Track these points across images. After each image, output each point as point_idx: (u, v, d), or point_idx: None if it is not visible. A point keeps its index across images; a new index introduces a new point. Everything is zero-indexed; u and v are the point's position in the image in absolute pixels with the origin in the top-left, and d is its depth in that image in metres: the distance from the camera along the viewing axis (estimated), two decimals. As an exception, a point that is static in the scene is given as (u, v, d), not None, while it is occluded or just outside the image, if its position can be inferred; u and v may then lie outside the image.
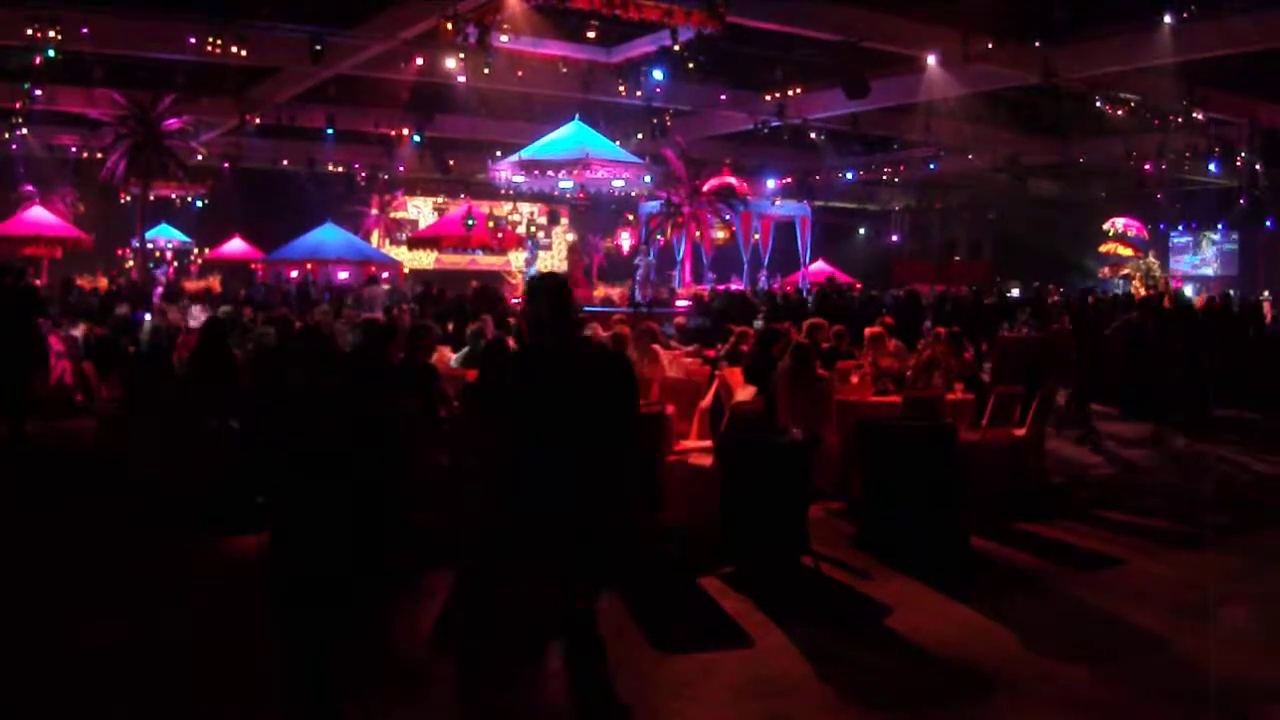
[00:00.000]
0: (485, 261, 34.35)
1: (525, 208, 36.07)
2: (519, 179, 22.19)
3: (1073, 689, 5.17)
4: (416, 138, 26.63)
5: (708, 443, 8.13)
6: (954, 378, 9.50)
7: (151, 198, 25.68)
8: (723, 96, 24.14)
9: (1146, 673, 5.36)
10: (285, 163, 30.48)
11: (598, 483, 5.13)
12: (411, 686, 5.08)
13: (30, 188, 27.47)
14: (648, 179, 22.97)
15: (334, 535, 6.04)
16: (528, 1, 16.31)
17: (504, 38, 17.73)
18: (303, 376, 6.61)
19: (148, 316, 14.68)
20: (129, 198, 25.93)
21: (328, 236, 28.33)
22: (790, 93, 22.53)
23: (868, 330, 10.59)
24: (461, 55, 18.38)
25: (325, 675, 5.23)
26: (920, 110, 23.07)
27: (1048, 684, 5.20)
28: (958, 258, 34.31)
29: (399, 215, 35.70)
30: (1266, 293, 27.28)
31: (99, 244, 27.70)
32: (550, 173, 21.59)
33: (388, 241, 34.53)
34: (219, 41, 17.83)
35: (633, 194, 25.73)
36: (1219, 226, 36.55)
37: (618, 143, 23.42)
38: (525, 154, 21.71)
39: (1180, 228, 37.11)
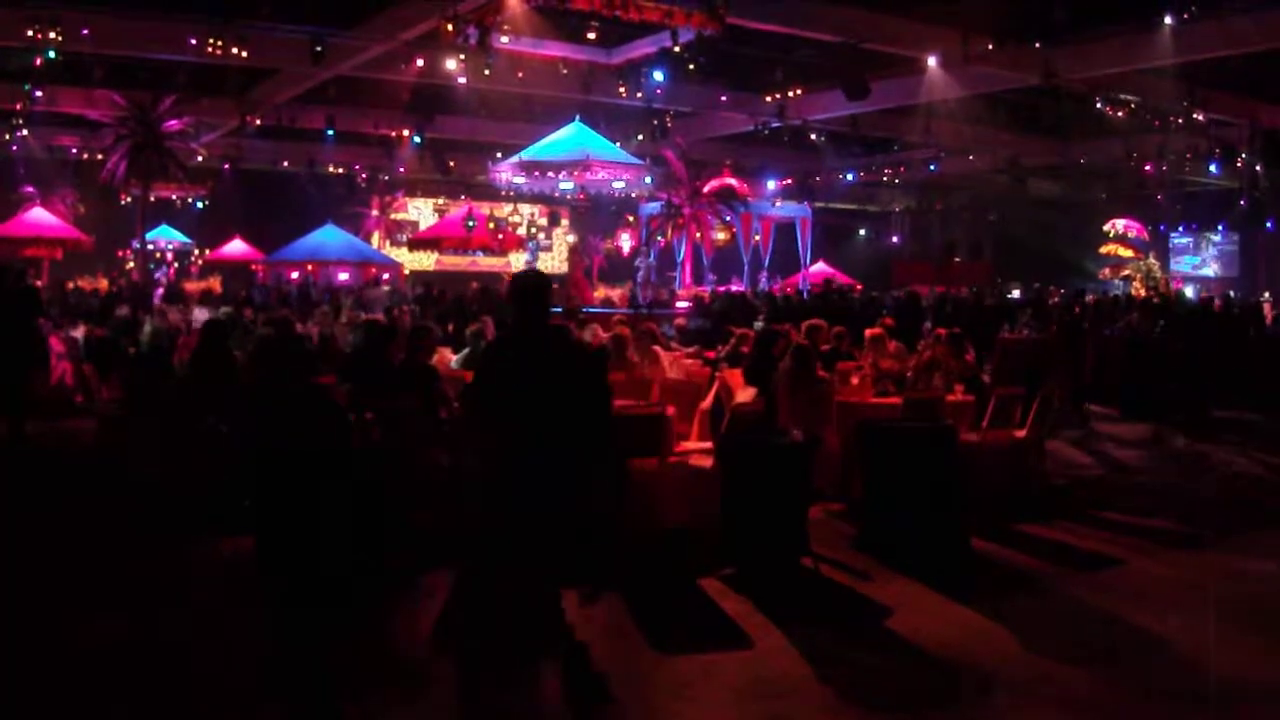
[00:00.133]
0: (485, 263, 34.38)
1: (526, 209, 36.10)
2: (519, 180, 22.20)
3: (1073, 689, 5.16)
4: (417, 139, 26.64)
5: (708, 444, 8.13)
6: (954, 379, 9.50)
7: (152, 199, 25.68)
8: (723, 98, 24.15)
9: (1146, 673, 5.36)
10: (286, 164, 30.50)
11: (568, 478, 5.14)
12: (411, 686, 5.08)
13: (31, 189, 27.51)
14: (648, 180, 22.98)
15: (321, 536, 6.03)
16: (528, 2, 16.30)
17: (504, 39, 17.75)
18: (287, 376, 6.60)
19: (148, 323, 14.64)
20: (129, 199, 25.94)
21: (328, 238, 28.35)
22: (790, 94, 22.53)
23: (868, 332, 10.60)
24: (462, 56, 18.39)
25: (322, 675, 5.23)
26: (920, 111, 23.08)
27: (1048, 684, 5.19)
28: (958, 259, 34.30)
29: (399, 216, 35.72)
30: (1267, 294, 27.29)
31: (99, 245, 27.73)
32: (551, 174, 21.61)
33: (388, 243, 34.54)
34: (219, 42, 17.83)
35: (633, 195, 25.75)
36: (1219, 228, 36.55)
37: (618, 144, 23.43)
38: (526, 155, 21.72)
39: (1180, 229, 37.10)
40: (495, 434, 5.23)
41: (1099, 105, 21.90)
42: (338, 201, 31.71)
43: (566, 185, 22.90)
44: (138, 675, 5.17)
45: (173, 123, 22.87)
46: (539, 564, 5.21)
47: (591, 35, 19.41)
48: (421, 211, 36.64)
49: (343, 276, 27.77)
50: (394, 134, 26.89)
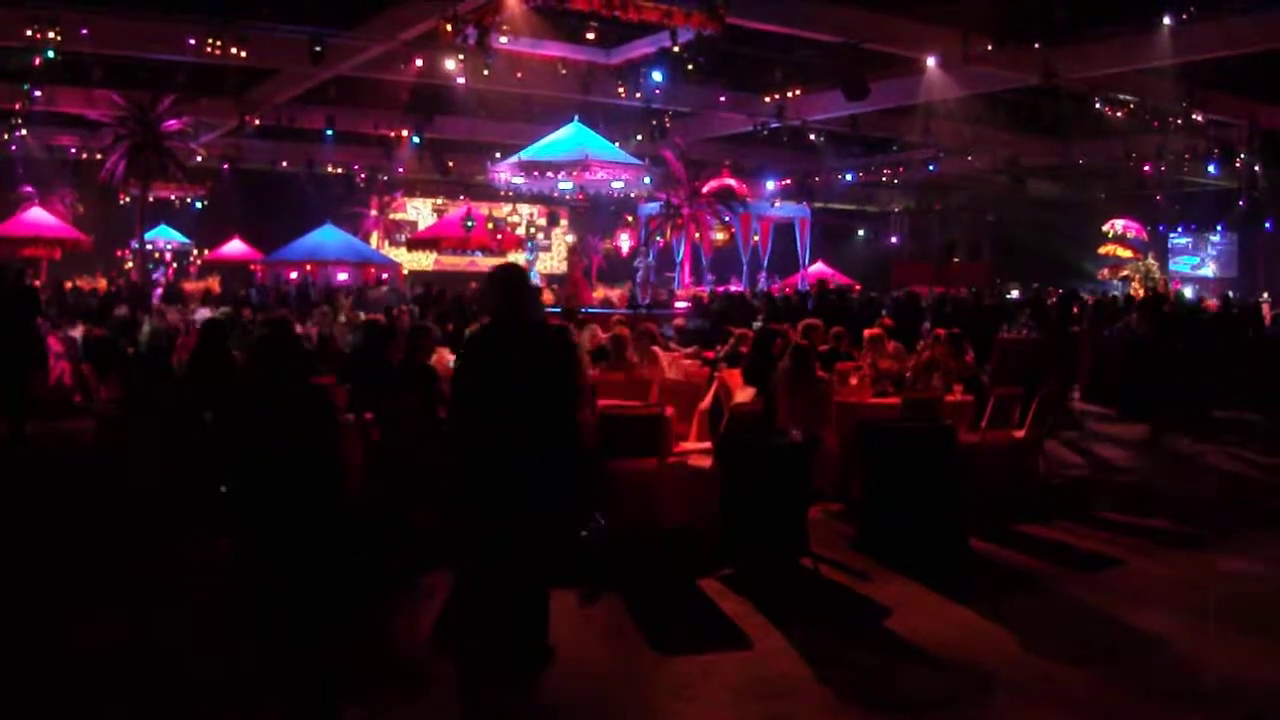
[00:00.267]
0: (485, 263, 34.28)
1: (525, 209, 36.09)
2: (518, 180, 22.20)
3: (1073, 689, 5.16)
4: (416, 139, 26.63)
5: (707, 444, 8.12)
6: (953, 379, 9.50)
7: (151, 199, 25.64)
8: (722, 98, 24.14)
9: (1146, 673, 5.36)
10: (285, 164, 30.49)
11: (547, 472, 5.14)
12: (411, 686, 5.08)
13: (29, 189, 27.48)
14: (647, 180, 22.98)
15: (315, 535, 6.03)
16: (527, 3, 16.29)
17: (503, 39, 17.73)
18: (284, 375, 6.59)
19: (146, 323, 14.63)
20: (128, 199, 25.90)
21: (327, 238, 28.34)
22: (790, 94, 22.52)
23: (867, 332, 10.59)
24: (461, 56, 18.38)
25: (322, 675, 5.23)
26: (920, 112, 23.07)
27: (1048, 684, 5.20)
28: (957, 259, 34.31)
29: (398, 216, 35.71)
30: (1266, 294, 27.30)
31: (98, 245, 27.71)
32: (550, 174, 21.60)
33: (387, 243, 34.53)
34: (219, 42, 17.82)
35: (632, 195, 25.75)
36: (1218, 228, 36.56)
37: (617, 144, 23.43)
38: (525, 155, 21.72)
39: (1180, 229, 37.11)
40: (475, 427, 5.23)
41: (1099, 105, 21.90)
42: (336, 201, 31.70)
43: (565, 185, 22.90)
44: (138, 675, 5.17)
45: (172, 123, 22.84)
46: (522, 560, 5.20)
47: (590, 35, 19.41)
48: (420, 211, 36.63)
49: (342, 276, 27.76)
50: (393, 134, 26.88)
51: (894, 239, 41.15)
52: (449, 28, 16.25)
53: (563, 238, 37.04)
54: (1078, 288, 25.41)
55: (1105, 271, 32.22)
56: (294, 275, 27.42)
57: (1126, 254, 30.50)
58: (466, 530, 5.50)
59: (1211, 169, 28.20)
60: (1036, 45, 18.82)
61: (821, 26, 18.44)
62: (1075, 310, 19.82)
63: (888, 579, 6.73)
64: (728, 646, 5.63)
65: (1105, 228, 31.07)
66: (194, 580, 6.62)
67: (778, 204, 28.99)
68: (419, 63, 19.39)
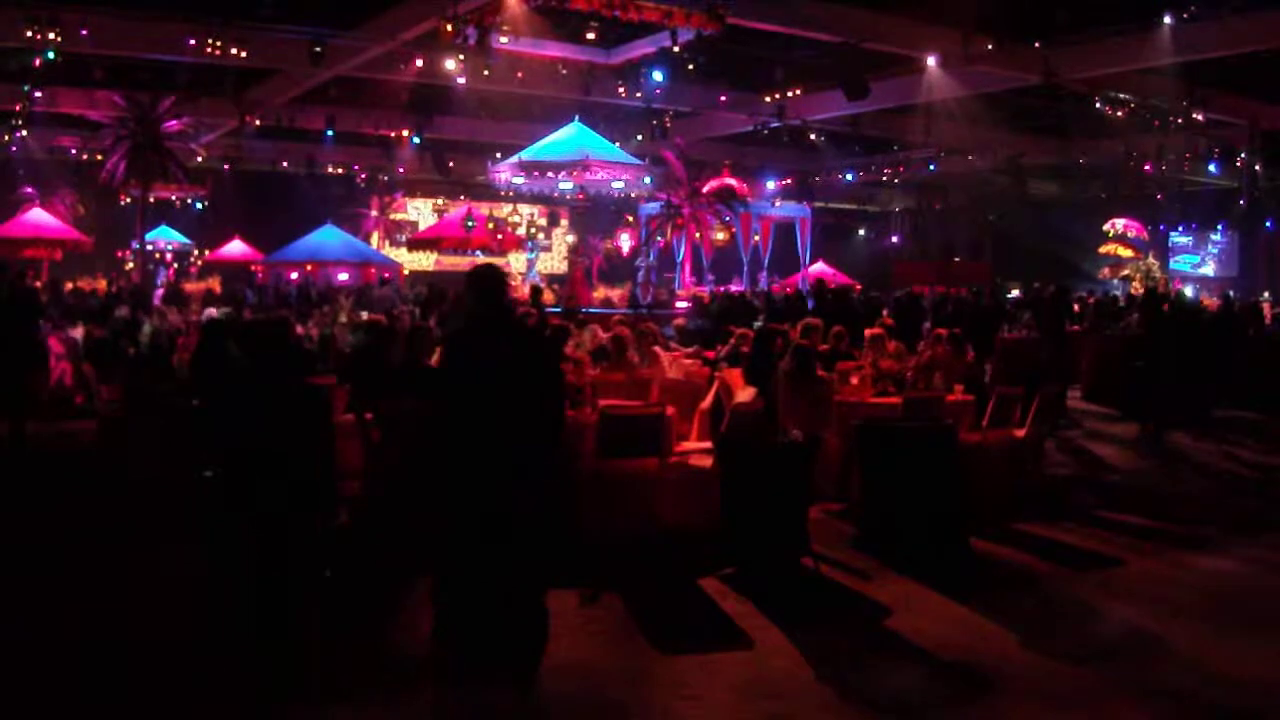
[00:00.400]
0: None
1: (525, 209, 36.07)
2: (519, 181, 22.21)
3: (1073, 689, 5.17)
4: (416, 139, 26.65)
5: (708, 444, 8.12)
6: (955, 379, 9.50)
7: (151, 199, 25.64)
8: (722, 98, 24.15)
9: (1146, 673, 5.36)
10: (285, 164, 30.50)
11: (526, 471, 5.15)
12: (409, 687, 5.08)
13: (30, 190, 27.47)
14: (647, 180, 22.99)
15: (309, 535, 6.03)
16: (527, 3, 16.30)
17: (504, 39, 17.74)
18: (275, 371, 6.58)
19: (147, 323, 14.63)
20: (129, 199, 25.90)
21: (327, 238, 28.33)
22: (790, 94, 22.53)
23: (868, 331, 10.60)
24: (461, 57, 18.39)
25: (322, 673, 5.22)
26: (920, 111, 23.07)
27: (1048, 684, 5.20)
28: (958, 259, 34.29)
29: (399, 217, 35.69)
30: (1266, 293, 27.28)
31: (99, 246, 27.70)
32: (550, 174, 21.62)
33: (387, 243, 34.52)
34: (219, 42, 17.84)
35: (632, 195, 25.75)
36: (1219, 227, 36.55)
37: (617, 144, 23.43)
38: (525, 155, 21.72)
39: (1180, 229, 37.09)
40: (455, 427, 5.24)
41: (1099, 105, 21.90)
42: (337, 202, 31.71)
43: (566, 185, 22.91)
44: (138, 675, 5.17)
45: (172, 123, 22.85)
46: (499, 560, 5.20)
47: (591, 35, 19.42)
48: (421, 212, 36.61)
49: (342, 277, 27.75)
50: (393, 134, 26.89)
51: (894, 239, 41.12)
52: (449, 28, 16.27)
53: (563, 238, 37.03)
54: (1070, 286, 25.39)
55: (1106, 271, 32.17)
56: (294, 275, 27.41)
57: (1127, 253, 30.45)
58: (443, 529, 5.50)
59: (1212, 168, 28.21)
60: (1036, 45, 18.85)
61: (821, 26, 18.45)
62: (1076, 309, 19.84)
63: (888, 578, 6.74)
64: (728, 646, 5.64)
65: (1106, 227, 31.02)
66: (194, 580, 6.61)
67: (778, 204, 28.96)
68: (419, 63, 19.41)
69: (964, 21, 18.39)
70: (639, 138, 26.31)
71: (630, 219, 32.06)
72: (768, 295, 21.78)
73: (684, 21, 16.68)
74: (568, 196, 27.60)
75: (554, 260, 36.78)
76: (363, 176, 32.28)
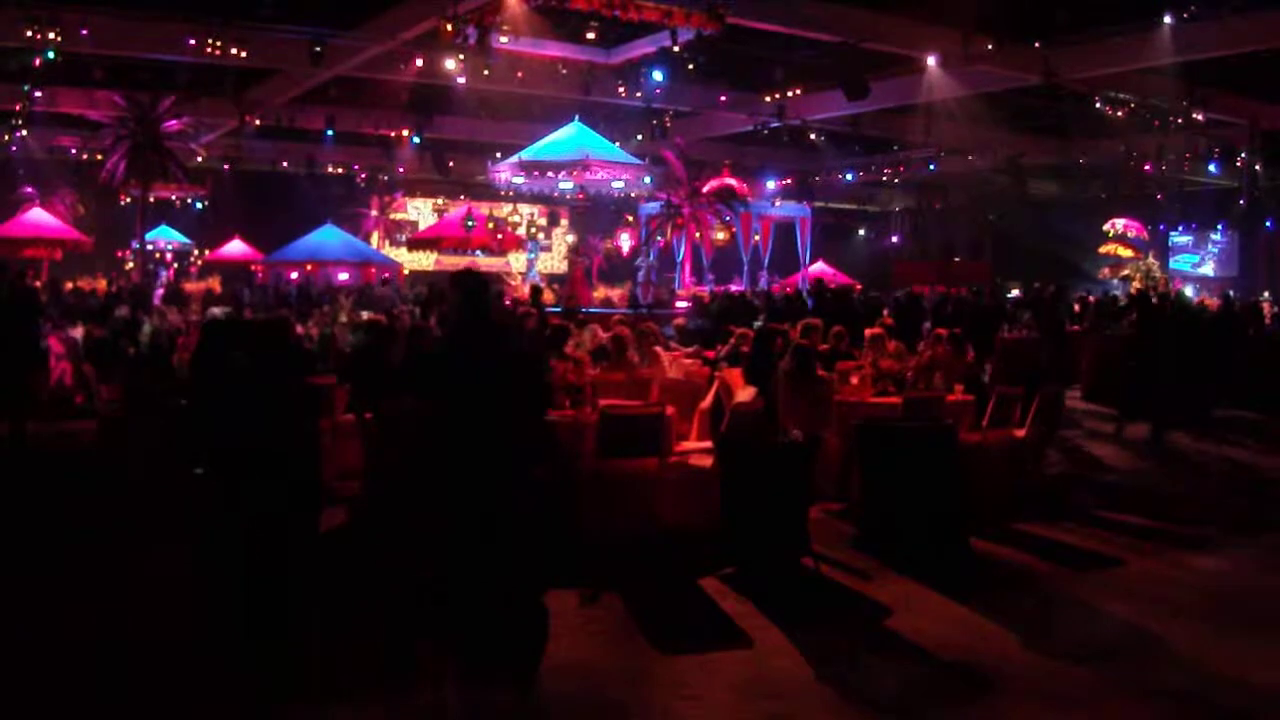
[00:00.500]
0: (485, 263, 34.28)
1: (525, 209, 36.07)
2: (519, 180, 22.19)
3: (1073, 689, 5.17)
4: (416, 139, 26.64)
5: (708, 444, 8.12)
6: (955, 379, 9.50)
7: (151, 199, 25.66)
8: (722, 98, 24.15)
9: (1146, 673, 5.36)
10: (285, 164, 30.50)
11: (510, 474, 5.15)
12: (409, 687, 5.08)
13: (30, 190, 27.48)
14: (647, 180, 22.98)
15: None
16: (527, 2, 16.30)
17: (504, 39, 17.74)
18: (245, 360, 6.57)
19: (147, 323, 14.62)
20: (129, 199, 25.92)
21: (327, 238, 28.34)
22: (790, 94, 22.53)
23: (868, 331, 10.60)
24: (461, 56, 18.39)
25: (321, 674, 5.22)
26: (920, 111, 23.07)
27: (1048, 684, 5.20)
28: (958, 259, 34.29)
29: (399, 216, 35.69)
30: (1266, 293, 27.28)
31: (99, 246, 27.71)
32: (550, 174, 21.60)
33: (387, 243, 34.52)
34: (219, 42, 17.84)
35: (632, 195, 25.74)
36: (1219, 227, 36.55)
37: (617, 144, 23.42)
38: (525, 155, 21.71)
39: (1180, 228, 37.08)
40: (440, 428, 5.25)
41: (1099, 105, 21.90)
42: (337, 202, 31.70)
43: (566, 185, 22.89)
44: (138, 675, 5.17)
45: (172, 123, 22.86)
46: (488, 560, 5.20)
47: (591, 35, 19.42)
48: (421, 212, 36.60)
49: (343, 276, 27.76)
50: (393, 134, 26.89)
51: (895, 238, 41.12)
52: (449, 28, 16.27)
53: (563, 238, 37.03)
54: (1068, 285, 25.40)
55: (1106, 271, 32.17)
56: (294, 275, 27.42)
57: (1127, 253, 30.45)
58: (440, 529, 5.50)
59: (1212, 168, 28.21)
60: (1036, 45, 18.85)
61: (821, 26, 18.44)
62: (1076, 309, 19.83)
63: (889, 578, 6.74)
64: (728, 645, 5.64)
65: (1106, 227, 31.02)
66: (194, 580, 6.60)
67: (778, 203, 28.94)
68: (419, 63, 19.41)
69: (964, 21, 18.38)
70: (639, 137, 26.29)
71: (630, 219, 32.05)
72: (768, 295, 21.77)
73: (684, 21, 16.68)
74: (568, 196, 27.59)
75: (554, 260, 36.78)
76: (363, 176, 32.27)
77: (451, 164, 30.07)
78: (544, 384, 5.81)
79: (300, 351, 9.57)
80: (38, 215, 26.21)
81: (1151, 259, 30.32)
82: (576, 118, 22.12)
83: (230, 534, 5.89)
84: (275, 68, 21.51)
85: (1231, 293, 23.30)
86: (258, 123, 25.22)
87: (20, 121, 23.85)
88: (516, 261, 33.27)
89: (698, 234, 25.59)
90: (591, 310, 19.05)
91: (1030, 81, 20.16)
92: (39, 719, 4.84)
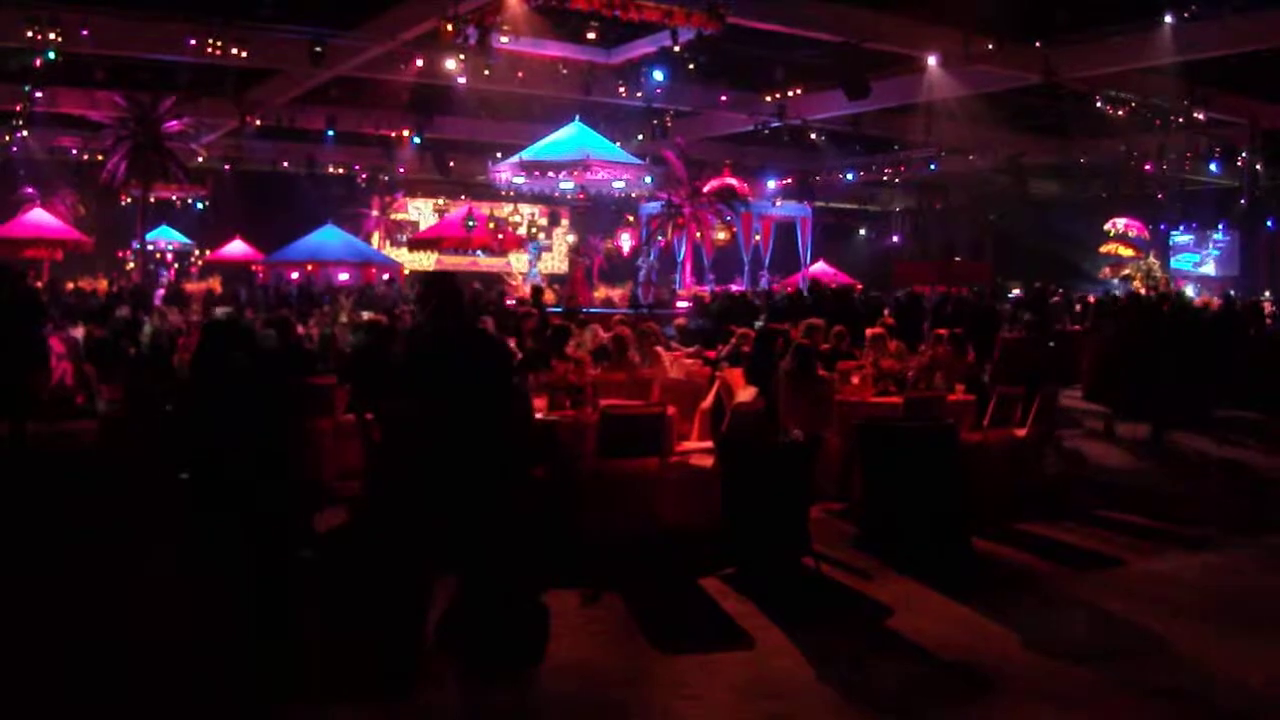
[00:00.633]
0: (486, 263, 34.35)
1: (526, 209, 36.08)
2: (519, 180, 22.19)
3: (1073, 689, 5.16)
4: (417, 139, 26.65)
5: (709, 444, 8.12)
6: (955, 379, 9.50)
7: (152, 200, 25.66)
8: (723, 97, 24.15)
9: (1146, 673, 5.35)
10: (285, 164, 30.51)
11: (483, 475, 5.16)
12: (409, 686, 5.08)
13: (31, 190, 27.49)
14: (648, 180, 22.97)
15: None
16: (528, 2, 16.30)
17: (504, 39, 17.74)
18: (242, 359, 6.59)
19: (148, 323, 14.61)
20: (129, 200, 25.92)
21: (328, 238, 28.35)
22: (790, 93, 22.55)
23: (869, 331, 10.60)
24: (461, 56, 18.40)
25: (320, 673, 5.22)
26: (921, 111, 23.07)
27: (1048, 684, 5.19)
28: (958, 259, 34.28)
29: (399, 217, 35.72)
30: (1267, 293, 27.27)
31: (99, 246, 27.71)
32: (551, 174, 21.59)
33: (388, 243, 34.54)
34: (219, 43, 17.86)
35: (633, 195, 25.73)
36: (1220, 226, 36.54)
37: (618, 144, 23.41)
38: (526, 155, 21.71)
39: (1181, 228, 37.07)
40: (416, 424, 5.27)
41: (1099, 104, 21.90)
42: (337, 202, 31.72)
43: (566, 185, 22.88)
44: (138, 675, 5.17)
45: (173, 123, 22.86)
46: (463, 553, 5.22)
47: (591, 35, 19.42)
48: (421, 212, 36.62)
49: (343, 277, 27.77)
50: (394, 134, 26.90)
51: (895, 238, 41.13)
52: (449, 28, 16.28)
53: (564, 238, 37.02)
54: (1058, 285, 25.40)
55: (1107, 270, 32.18)
56: (295, 275, 27.43)
57: (1128, 253, 30.47)
58: (438, 529, 5.52)
59: (1213, 167, 28.21)
60: (1037, 45, 18.85)
61: (822, 26, 18.46)
62: (1078, 309, 19.82)
63: (889, 578, 6.73)
64: (729, 646, 5.63)
65: (1107, 226, 31.04)
66: (193, 580, 6.61)
67: (779, 203, 28.94)
68: (419, 63, 19.43)
69: (964, 21, 18.38)
70: (639, 137, 26.29)
71: (631, 219, 32.05)
72: (768, 295, 21.77)
73: (684, 21, 16.68)
74: (568, 196, 27.59)
75: (555, 260, 36.77)
76: (363, 176, 32.29)
77: (452, 164, 30.08)
78: (513, 386, 5.85)
79: (301, 352, 9.58)
80: (38, 216, 26.22)
81: (1152, 258, 30.34)
82: (577, 118, 22.11)
83: (229, 534, 5.91)
84: (276, 68, 21.51)
85: (1233, 292, 23.30)
86: (258, 123, 25.24)
87: (21, 122, 23.87)
88: (517, 262, 33.24)
89: (698, 234, 25.58)
90: (592, 310, 19.04)
91: (1031, 81, 20.16)
92: (39, 719, 4.84)
